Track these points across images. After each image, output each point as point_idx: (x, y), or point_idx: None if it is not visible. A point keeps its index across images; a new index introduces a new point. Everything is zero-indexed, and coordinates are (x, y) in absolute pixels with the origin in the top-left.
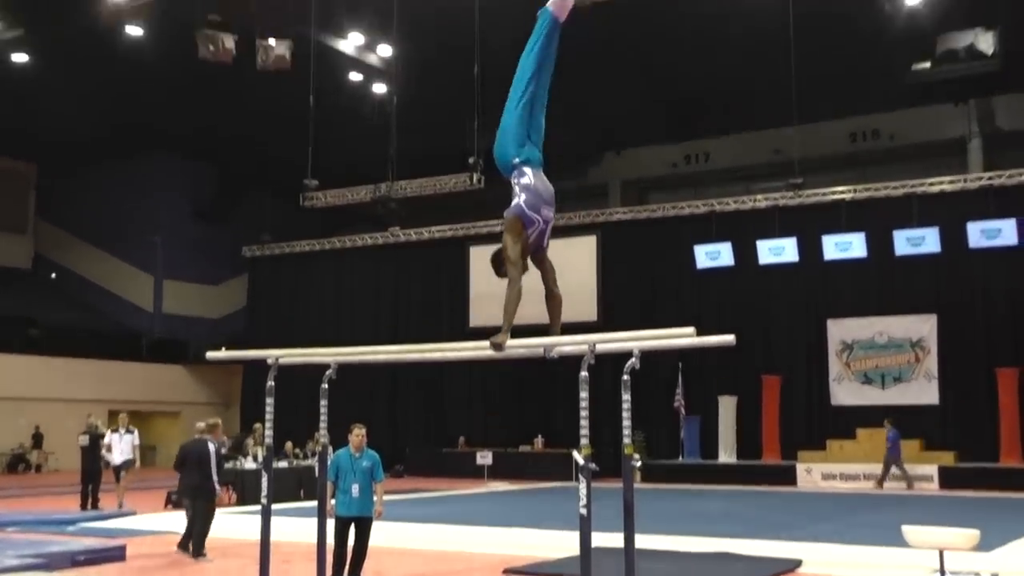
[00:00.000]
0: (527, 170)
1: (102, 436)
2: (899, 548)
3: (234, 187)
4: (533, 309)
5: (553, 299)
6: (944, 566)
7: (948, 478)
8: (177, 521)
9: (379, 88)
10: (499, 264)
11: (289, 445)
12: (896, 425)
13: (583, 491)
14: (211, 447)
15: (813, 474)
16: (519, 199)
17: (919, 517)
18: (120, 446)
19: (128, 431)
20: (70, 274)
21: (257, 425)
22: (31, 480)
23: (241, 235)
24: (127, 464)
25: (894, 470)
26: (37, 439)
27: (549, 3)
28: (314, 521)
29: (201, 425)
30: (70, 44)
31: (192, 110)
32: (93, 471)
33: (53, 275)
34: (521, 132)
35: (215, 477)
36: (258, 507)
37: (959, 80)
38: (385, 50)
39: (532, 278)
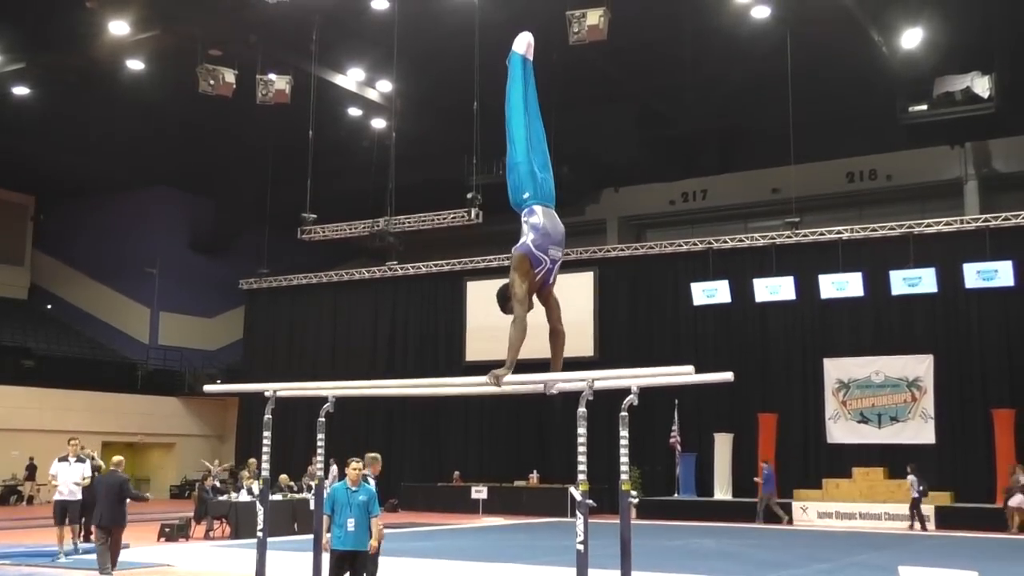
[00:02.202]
0: (537, 209)
1: (98, 468)
2: None
3: (232, 220)
4: (532, 344)
5: (557, 336)
6: None
7: (945, 518)
8: (170, 553)
9: (378, 123)
10: (505, 300)
11: (284, 478)
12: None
13: (580, 527)
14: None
15: (809, 512)
16: (527, 238)
17: (916, 558)
18: (68, 477)
19: (80, 459)
20: (66, 305)
21: (252, 460)
22: (23, 512)
23: (238, 268)
24: (74, 505)
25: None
26: (31, 470)
27: (514, 47)
28: (309, 555)
29: (118, 459)
30: (71, 77)
31: (191, 144)
32: (87, 502)
33: (49, 306)
34: (529, 166)
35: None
36: (253, 540)
37: (955, 122)
38: (385, 86)
39: (533, 315)
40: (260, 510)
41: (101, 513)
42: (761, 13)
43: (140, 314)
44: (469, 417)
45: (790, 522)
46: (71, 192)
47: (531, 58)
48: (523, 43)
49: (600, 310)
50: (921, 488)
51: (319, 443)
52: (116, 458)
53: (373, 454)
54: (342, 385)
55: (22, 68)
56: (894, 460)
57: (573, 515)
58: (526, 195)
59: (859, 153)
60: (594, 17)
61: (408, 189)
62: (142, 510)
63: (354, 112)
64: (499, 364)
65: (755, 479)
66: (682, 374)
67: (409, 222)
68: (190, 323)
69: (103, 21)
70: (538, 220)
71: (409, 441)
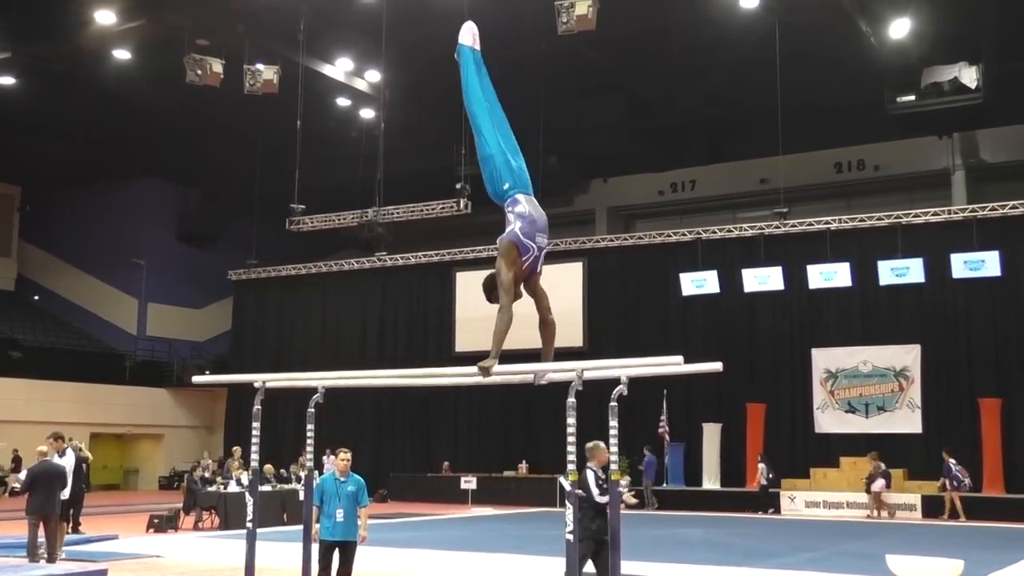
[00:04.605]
0: (520, 198)
1: (86, 460)
2: None
3: (220, 211)
4: (521, 334)
5: (547, 326)
6: None
7: (931, 507)
8: (159, 544)
9: (367, 113)
10: (492, 289)
11: (269, 467)
12: (655, 452)
13: (569, 517)
14: (590, 474)
15: (797, 502)
16: (515, 226)
17: (903, 547)
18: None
19: (60, 453)
20: (53, 296)
21: (236, 448)
22: (9, 504)
23: (226, 259)
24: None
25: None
26: (17, 463)
27: (461, 40)
28: (298, 546)
29: (43, 449)
30: (57, 67)
31: (179, 134)
32: (75, 494)
33: (36, 297)
34: (503, 156)
35: (597, 499)
36: (242, 531)
37: (943, 113)
38: (373, 75)
39: (522, 304)
40: (249, 501)
41: (38, 503)
42: (750, 3)
43: (128, 305)
44: (458, 408)
45: (656, 508)
46: (58, 183)
47: (479, 48)
48: (469, 34)
49: (589, 300)
50: (771, 476)
51: (308, 434)
52: (41, 448)
53: (594, 442)
54: (331, 376)
55: (8, 58)
56: (882, 449)
57: (562, 505)
58: (506, 185)
59: (847, 143)
60: (583, 7)
61: (397, 180)
62: (131, 501)
63: (342, 102)
64: (488, 354)
65: (639, 467)
66: (671, 364)
67: (398, 213)
68: (178, 314)
69: (89, 10)
70: (523, 209)
71: (398, 432)
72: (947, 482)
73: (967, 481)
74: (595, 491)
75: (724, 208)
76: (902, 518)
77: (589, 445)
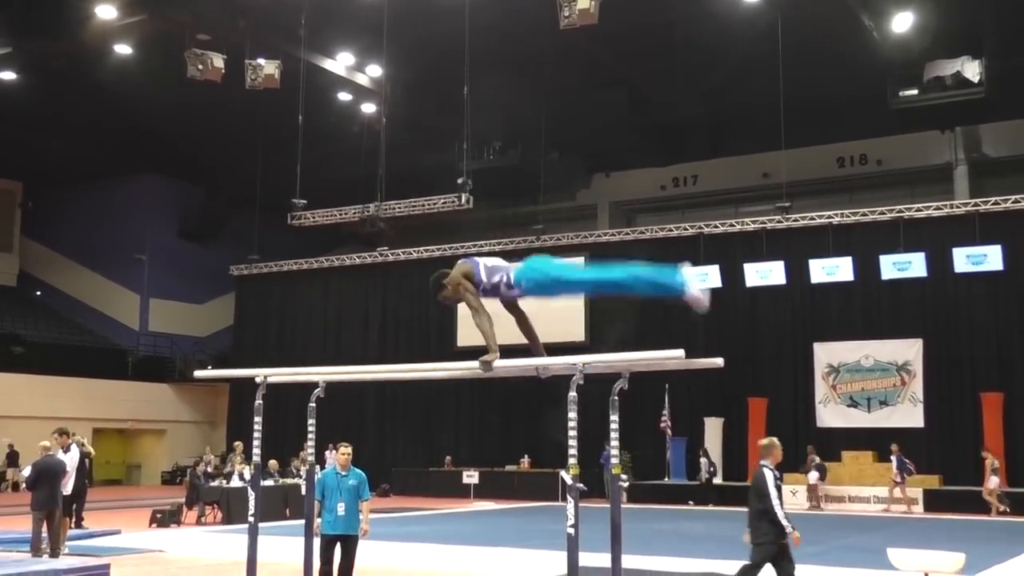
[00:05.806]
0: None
1: (89, 455)
2: (884, 571)
3: (221, 206)
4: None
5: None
6: None
7: (933, 501)
8: (161, 539)
9: (368, 108)
10: (436, 289)
11: (273, 463)
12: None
13: (571, 510)
14: (768, 474)
15: (799, 496)
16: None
17: (904, 540)
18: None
19: (65, 449)
20: (55, 292)
21: (237, 443)
22: (8, 499)
23: (228, 254)
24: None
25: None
26: (13, 458)
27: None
28: (299, 540)
29: (45, 444)
30: (58, 63)
31: (180, 130)
32: (78, 489)
33: (38, 293)
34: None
35: (776, 510)
36: (244, 526)
37: (946, 107)
38: (375, 70)
39: (524, 303)
40: (251, 495)
41: (43, 498)
42: None
43: (130, 301)
44: (460, 402)
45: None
46: (59, 178)
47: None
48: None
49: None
50: (712, 469)
51: (310, 428)
52: (44, 443)
53: (769, 439)
54: (333, 370)
55: (9, 53)
56: (883, 444)
57: (564, 499)
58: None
59: (849, 138)
60: (585, 1)
61: (398, 175)
62: (134, 496)
63: (344, 97)
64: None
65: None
66: (672, 358)
67: (400, 208)
68: (180, 309)
69: (90, 5)
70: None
71: (400, 426)
72: (901, 474)
73: (913, 472)
74: (773, 493)
75: (726, 203)
76: (905, 512)
77: (763, 442)
